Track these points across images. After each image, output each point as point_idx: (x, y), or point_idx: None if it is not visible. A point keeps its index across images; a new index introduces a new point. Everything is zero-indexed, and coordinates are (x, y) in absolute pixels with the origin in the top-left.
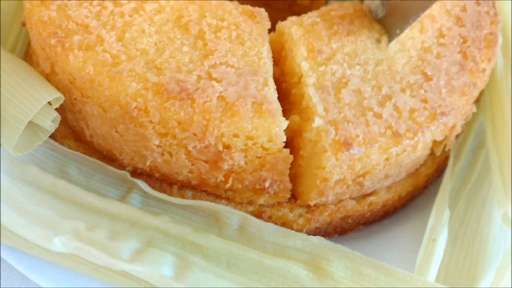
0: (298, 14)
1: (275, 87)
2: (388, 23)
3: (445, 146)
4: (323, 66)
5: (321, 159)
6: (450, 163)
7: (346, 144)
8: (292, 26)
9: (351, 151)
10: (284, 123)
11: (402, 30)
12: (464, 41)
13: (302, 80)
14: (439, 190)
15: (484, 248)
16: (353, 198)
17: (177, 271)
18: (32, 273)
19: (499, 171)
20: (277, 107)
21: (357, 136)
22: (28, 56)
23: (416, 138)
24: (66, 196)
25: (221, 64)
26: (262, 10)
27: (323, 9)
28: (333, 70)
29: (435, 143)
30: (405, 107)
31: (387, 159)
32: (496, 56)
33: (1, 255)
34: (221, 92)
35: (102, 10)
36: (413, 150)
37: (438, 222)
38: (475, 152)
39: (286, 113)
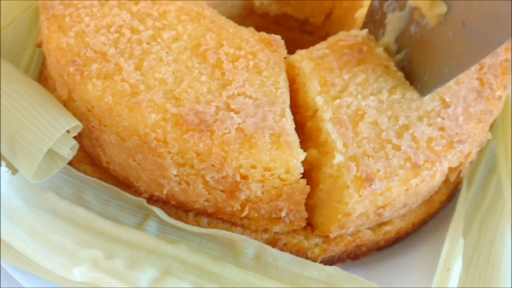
0: (309, 33)
1: (292, 117)
2: (417, 75)
3: (459, 172)
4: (338, 100)
5: (342, 195)
6: (464, 189)
7: (368, 180)
8: (302, 60)
9: (373, 186)
10: (302, 155)
11: (439, 84)
12: (481, 68)
13: (317, 114)
14: (453, 215)
15: (498, 273)
16: (369, 228)
17: None
18: None
19: (511, 195)
20: (294, 139)
21: (378, 170)
22: (42, 78)
23: (434, 168)
24: (84, 224)
25: (239, 94)
26: (279, 37)
27: (331, 40)
28: (348, 103)
29: (450, 169)
30: (423, 137)
31: (406, 190)
32: (510, 83)
33: (22, 283)
34: (239, 124)
35: (120, 37)
36: (432, 180)
37: (453, 250)
38: (487, 176)
39: (301, 144)
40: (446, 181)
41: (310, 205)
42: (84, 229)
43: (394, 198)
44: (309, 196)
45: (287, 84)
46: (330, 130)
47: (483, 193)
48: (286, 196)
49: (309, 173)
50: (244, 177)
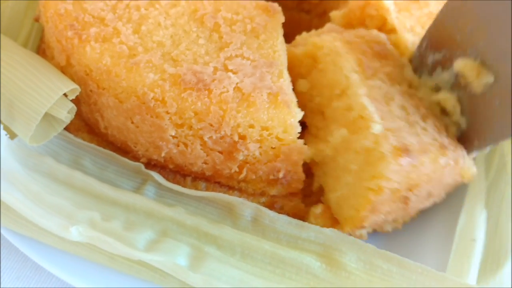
0: (306, 12)
1: (290, 79)
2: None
3: None
4: (371, 80)
5: (378, 168)
6: (482, 176)
7: (406, 150)
8: (335, 41)
9: (410, 156)
10: (299, 114)
11: (483, 145)
12: None
13: (350, 91)
14: (468, 189)
15: (506, 241)
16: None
17: (192, 261)
18: (47, 262)
19: None
20: (292, 98)
21: (413, 144)
22: (41, 50)
23: (458, 152)
24: (81, 187)
25: (236, 56)
26: (276, 4)
27: (360, 32)
28: (379, 85)
29: None
30: (441, 127)
31: (434, 171)
32: None
33: (16, 244)
34: (237, 83)
35: (118, 3)
36: (456, 165)
37: (475, 222)
38: (491, 148)
39: (319, 131)
40: None
41: (335, 199)
42: (81, 192)
43: (423, 177)
44: (333, 188)
45: (284, 47)
46: (366, 103)
47: (489, 164)
48: (284, 157)
49: (331, 161)
50: (242, 137)
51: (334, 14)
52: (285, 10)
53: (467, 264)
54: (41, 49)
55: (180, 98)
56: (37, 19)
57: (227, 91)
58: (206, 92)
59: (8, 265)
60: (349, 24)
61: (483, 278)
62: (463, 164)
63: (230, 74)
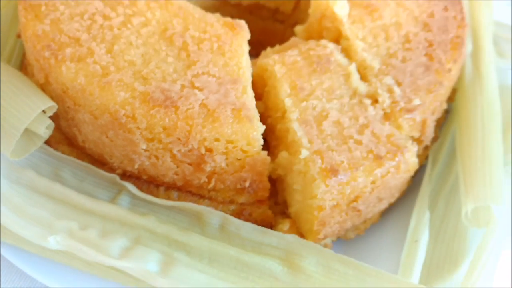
0: (280, 22)
1: (253, 94)
2: None
3: (425, 147)
4: (305, 102)
5: (312, 188)
6: (428, 166)
7: (333, 170)
8: (275, 64)
9: (339, 176)
10: (261, 128)
11: None
12: (430, 45)
13: (286, 115)
14: (418, 192)
15: (464, 243)
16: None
17: (162, 266)
18: (30, 269)
19: (462, 174)
20: (254, 113)
21: (342, 162)
22: (23, 66)
23: (396, 159)
24: (60, 198)
25: (203, 73)
26: (243, 22)
27: (302, 47)
28: (314, 105)
29: (414, 139)
30: (382, 133)
31: (373, 182)
32: (463, 58)
33: (1, 252)
34: (203, 100)
35: (93, 24)
36: (397, 171)
37: (420, 223)
38: (451, 155)
39: (275, 149)
40: None
41: (294, 214)
42: (61, 203)
43: (362, 189)
44: (290, 204)
45: (249, 64)
46: (296, 128)
47: (448, 169)
48: (249, 167)
49: (286, 178)
50: (208, 150)
51: (298, 28)
52: (261, 20)
53: (410, 266)
54: (23, 64)
55: (149, 114)
56: (19, 36)
57: (193, 108)
58: (173, 109)
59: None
60: (310, 36)
61: (429, 279)
62: (406, 166)
63: (196, 91)
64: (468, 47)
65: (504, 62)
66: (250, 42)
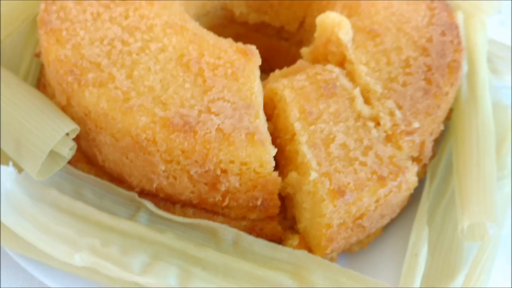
0: (286, 39)
1: (265, 118)
2: None
3: (424, 165)
4: (313, 126)
5: (321, 208)
6: (427, 182)
7: (340, 191)
8: (284, 89)
9: (345, 197)
10: (273, 150)
11: None
12: (429, 69)
13: (295, 138)
14: (418, 207)
15: (460, 256)
16: (359, 240)
17: (181, 281)
18: (57, 284)
19: (458, 191)
20: (267, 137)
21: (349, 183)
22: (41, 85)
23: (398, 179)
24: (82, 216)
25: (218, 99)
26: (254, 48)
27: (310, 72)
28: (322, 128)
29: (413, 159)
30: (385, 154)
31: (377, 201)
32: (459, 81)
33: (31, 270)
34: (219, 125)
35: (112, 49)
36: (398, 190)
37: (419, 238)
38: (448, 171)
39: (284, 168)
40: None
41: (303, 229)
42: (83, 220)
43: (367, 207)
44: (299, 220)
45: (261, 89)
46: (305, 151)
47: (445, 185)
48: (261, 187)
49: (295, 196)
50: (224, 171)
51: (304, 50)
52: (267, 37)
53: (411, 278)
54: (41, 83)
55: (169, 139)
56: (37, 55)
57: (210, 132)
58: (192, 133)
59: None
60: (315, 59)
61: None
62: (406, 185)
63: (212, 116)
64: (464, 68)
65: (498, 79)
66: None
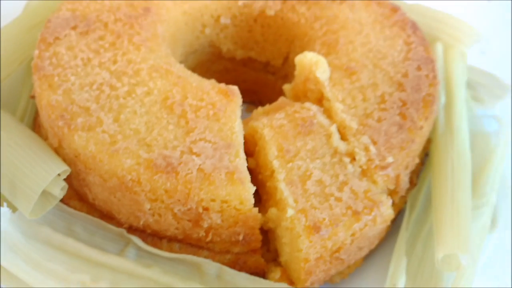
0: (272, 73)
1: (245, 157)
2: None
3: (403, 197)
4: (290, 163)
5: (298, 243)
6: (406, 213)
7: (316, 228)
8: (264, 128)
9: (321, 232)
10: (252, 188)
11: None
12: (404, 104)
13: (274, 175)
14: (397, 238)
15: (440, 285)
16: (340, 272)
17: None
18: None
19: (434, 222)
20: (246, 175)
21: (324, 219)
22: (36, 125)
23: (373, 213)
24: (73, 252)
25: (200, 139)
26: (235, 88)
27: (289, 109)
28: (299, 166)
29: (390, 191)
30: (360, 189)
31: (352, 235)
32: (434, 114)
33: None
34: (200, 165)
35: (101, 94)
36: (374, 224)
37: (397, 269)
38: (429, 199)
39: (265, 203)
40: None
41: (284, 263)
42: (74, 257)
43: (343, 242)
44: (280, 253)
45: (241, 128)
46: (283, 189)
47: (426, 214)
48: (242, 223)
49: (276, 230)
50: (205, 209)
51: (286, 87)
52: (254, 71)
53: None
54: (37, 122)
55: (153, 179)
56: (32, 97)
57: (191, 173)
58: (174, 174)
59: None
60: (296, 96)
61: None
62: (381, 219)
63: (194, 157)
64: (442, 99)
65: (480, 107)
66: (244, 91)
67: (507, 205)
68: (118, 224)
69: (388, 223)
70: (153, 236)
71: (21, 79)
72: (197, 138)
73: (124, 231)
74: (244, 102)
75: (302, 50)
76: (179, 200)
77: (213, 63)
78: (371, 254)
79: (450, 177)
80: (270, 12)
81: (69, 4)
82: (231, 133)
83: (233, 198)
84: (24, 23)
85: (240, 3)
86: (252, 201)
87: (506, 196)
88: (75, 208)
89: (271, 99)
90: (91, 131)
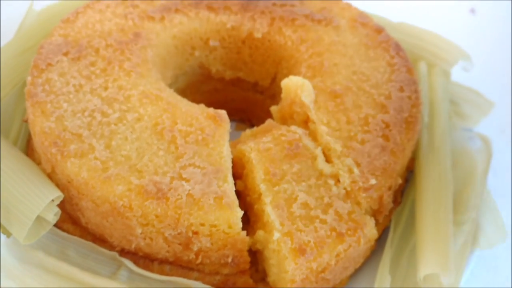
0: (260, 93)
1: (233, 182)
2: None
3: (386, 216)
4: (277, 187)
5: (284, 265)
6: (391, 231)
7: (301, 250)
8: (251, 151)
9: (306, 255)
10: (240, 213)
11: None
12: (387, 126)
13: (261, 198)
14: (381, 257)
15: None
16: None
17: None
18: None
19: (417, 241)
20: (234, 199)
21: (309, 241)
22: (30, 148)
23: (356, 235)
24: (66, 276)
25: (189, 165)
26: (224, 113)
27: (275, 133)
28: (285, 189)
29: (374, 211)
30: (344, 211)
31: (337, 256)
32: (417, 135)
33: None
34: (189, 190)
35: (92, 120)
36: (357, 245)
37: (382, 287)
38: (413, 216)
39: (254, 224)
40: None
41: (272, 283)
42: (67, 280)
43: (328, 263)
44: (268, 274)
45: (229, 152)
46: (270, 212)
47: (410, 231)
48: (230, 246)
49: (263, 251)
50: (195, 233)
51: (273, 109)
52: (242, 91)
53: None
54: (30, 145)
55: (144, 205)
56: (25, 121)
57: (181, 198)
58: (164, 200)
59: None
60: (283, 117)
61: None
62: (365, 239)
63: (183, 182)
64: (424, 119)
65: (465, 123)
66: (234, 109)
67: (488, 222)
68: (111, 247)
69: (372, 242)
70: (144, 259)
71: (14, 102)
72: (186, 164)
73: (116, 254)
74: (233, 120)
75: (289, 71)
76: (169, 225)
77: (203, 84)
78: (356, 272)
79: (431, 197)
80: (258, 35)
81: (61, 29)
82: (219, 158)
83: (221, 223)
84: (16, 47)
85: (228, 25)
86: (240, 225)
87: (488, 213)
88: (68, 231)
89: (259, 117)
90: (83, 158)
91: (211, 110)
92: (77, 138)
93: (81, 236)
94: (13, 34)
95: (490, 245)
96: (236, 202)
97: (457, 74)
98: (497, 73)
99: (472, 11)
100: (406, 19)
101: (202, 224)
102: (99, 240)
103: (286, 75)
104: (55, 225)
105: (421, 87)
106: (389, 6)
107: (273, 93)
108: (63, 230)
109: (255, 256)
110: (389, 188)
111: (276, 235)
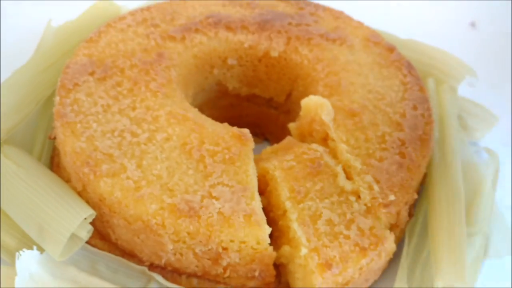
0: (275, 108)
1: (259, 198)
2: None
3: (401, 229)
4: (301, 204)
5: (311, 280)
6: (406, 243)
7: (328, 265)
8: (275, 170)
9: (332, 270)
10: (268, 230)
11: None
12: (403, 143)
13: (286, 215)
14: (398, 268)
15: None
16: None
17: None
18: None
19: (432, 253)
20: (262, 217)
21: (335, 257)
22: (54, 164)
23: (378, 249)
24: None
25: (218, 183)
26: (247, 132)
27: (297, 151)
28: (309, 206)
29: (391, 225)
30: (366, 226)
31: (360, 269)
32: (431, 152)
33: None
34: (220, 209)
35: (122, 141)
36: (379, 258)
37: None
38: (425, 228)
39: (277, 239)
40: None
41: None
42: None
43: (352, 276)
44: (292, 286)
45: (255, 170)
46: (296, 229)
47: (423, 242)
48: (258, 261)
49: (287, 265)
50: (225, 249)
51: (291, 126)
52: (257, 106)
53: None
54: (54, 162)
55: (176, 223)
56: (51, 137)
57: (212, 216)
58: (196, 218)
59: None
60: (301, 134)
61: None
62: (386, 253)
63: (213, 200)
64: (436, 134)
65: (471, 137)
66: (248, 123)
67: (497, 232)
68: (140, 261)
69: (391, 256)
70: (173, 273)
71: (36, 119)
72: (215, 182)
73: (146, 269)
74: None
75: (305, 89)
76: (200, 241)
77: (219, 99)
78: (375, 283)
79: (445, 210)
80: (274, 54)
81: (85, 49)
82: (246, 176)
83: (251, 239)
84: (37, 65)
85: (246, 45)
86: (268, 241)
87: (497, 224)
88: (96, 247)
89: (273, 131)
90: (115, 177)
91: (235, 129)
92: (109, 158)
93: (109, 251)
94: (32, 50)
95: (498, 255)
96: (264, 219)
97: (462, 88)
98: (497, 86)
99: (473, 24)
100: (408, 32)
101: (232, 241)
102: (128, 255)
103: (302, 93)
104: (85, 242)
105: (432, 105)
106: (390, 19)
107: (287, 109)
108: (92, 245)
109: (279, 270)
110: (406, 203)
111: (304, 251)
